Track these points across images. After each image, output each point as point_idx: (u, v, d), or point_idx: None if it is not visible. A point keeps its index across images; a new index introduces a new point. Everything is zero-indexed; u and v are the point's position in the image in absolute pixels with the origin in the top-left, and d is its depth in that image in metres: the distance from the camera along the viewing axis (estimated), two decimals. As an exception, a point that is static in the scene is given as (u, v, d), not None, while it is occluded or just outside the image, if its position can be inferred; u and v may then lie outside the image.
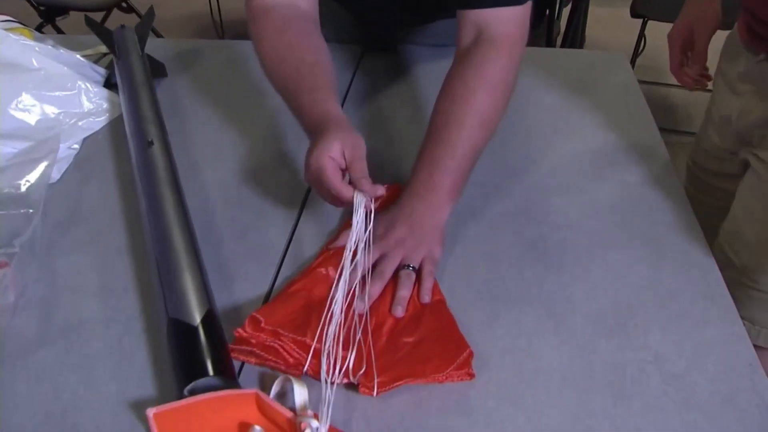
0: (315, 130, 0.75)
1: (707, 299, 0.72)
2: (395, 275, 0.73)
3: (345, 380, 0.63)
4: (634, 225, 0.82)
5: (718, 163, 0.96)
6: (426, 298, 0.71)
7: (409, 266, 0.73)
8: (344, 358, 0.64)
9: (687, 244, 0.79)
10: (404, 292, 0.71)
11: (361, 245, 0.71)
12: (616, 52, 1.20)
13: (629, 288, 0.74)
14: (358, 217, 0.71)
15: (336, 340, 0.65)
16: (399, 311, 0.70)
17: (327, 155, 0.71)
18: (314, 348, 0.65)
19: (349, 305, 0.69)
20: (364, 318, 0.68)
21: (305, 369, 0.64)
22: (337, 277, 0.70)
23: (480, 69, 0.82)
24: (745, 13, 0.87)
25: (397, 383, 0.63)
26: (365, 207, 0.71)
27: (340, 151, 0.71)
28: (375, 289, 0.71)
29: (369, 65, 1.17)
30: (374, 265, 0.73)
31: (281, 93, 0.83)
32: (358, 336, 0.66)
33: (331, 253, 0.76)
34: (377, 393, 0.62)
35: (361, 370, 0.63)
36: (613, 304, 0.72)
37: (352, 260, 0.71)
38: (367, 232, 0.71)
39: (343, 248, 0.72)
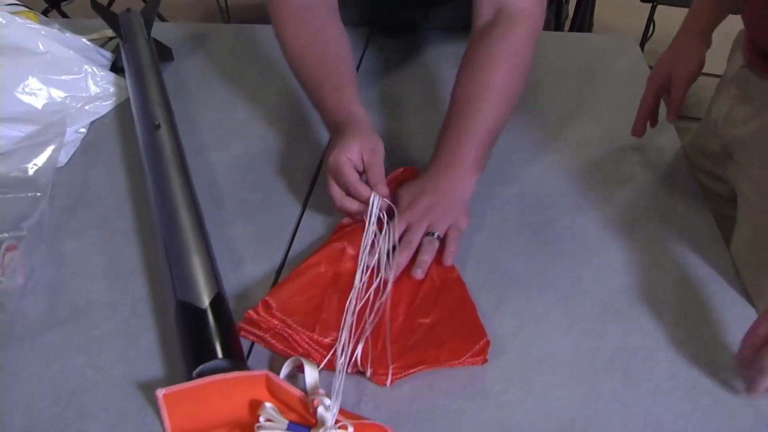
0: (337, 130, 0.78)
1: (717, 284, 0.72)
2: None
3: (354, 370, 0.63)
4: (644, 210, 0.81)
5: (710, 165, 0.92)
6: (449, 260, 0.72)
7: (433, 234, 0.73)
8: (354, 351, 0.64)
9: (697, 229, 0.78)
10: (425, 256, 0.71)
11: (381, 243, 0.72)
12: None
13: (638, 272, 0.73)
14: (373, 218, 0.73)
15: (349, 335, 0.65)
16: (419, 273, 0.70)
17: (345, 156, 0.73)
18: (324, 343, 0.65)
19: (363, 305, 0.68)
20: (381, 304, 0.68)
21: (320, 365, 0.63)
22: (357, 275, 0.70)
23: (503, 42, 0.81)
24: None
25: (411, 371, 0.63)
26: (380, 208, 0.74)
27: (358, 154, 0.74)
28: (402, 258, 0.71)
29: (377, 48, 1.16)
30: (401, 237, 0.73)
31: (303, 85, 0.85)
32: (371, 319, 0.66)
33: (347, 229, 0.76)
34: (391, 383, 0.62)
35: (371, 359, 0.63)
36: (622, 289, 0.72)
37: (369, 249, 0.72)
38: (383, 234, 0.73)
39: (360, 223, 0.74)
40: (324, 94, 0.81)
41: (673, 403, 0.61)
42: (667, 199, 0.83)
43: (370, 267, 0.71)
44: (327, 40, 0.84)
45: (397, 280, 0.70)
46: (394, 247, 0.72)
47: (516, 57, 0.81)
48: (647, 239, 0.77)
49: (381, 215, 0.74)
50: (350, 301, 0.68)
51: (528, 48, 0.82)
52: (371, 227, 0.73)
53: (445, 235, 0.74)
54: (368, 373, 0.62)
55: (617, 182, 0.86)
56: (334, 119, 0.79)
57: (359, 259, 0.72)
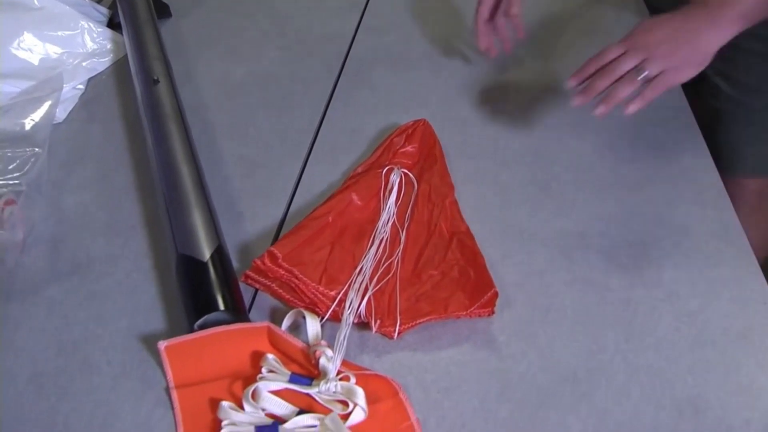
0: None
1: (722, 238, 0.71)
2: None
3: (359, 321, 0.63)
4: (648, 163, 0.80)
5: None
6: (636, 106, 0.68)
7: (642, 72, 0.68)
8: (360, 304, 0.63)
9: (701, 182, 0.78)
10: (616, 92, 0.68)
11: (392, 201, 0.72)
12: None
13: (642, 226, 0.73)
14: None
15: (357, 289, 0.64)
16: (600, 109, 0.69)
17: None
18: (330, 295, 0.64)
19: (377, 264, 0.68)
20: (393, 260, 0.68)
21: (323, 317, 0.63)
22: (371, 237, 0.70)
23: None
24: None
25: (419, 320, 0.62)
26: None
27: None
28: (600, 83, 0.69)
29: None
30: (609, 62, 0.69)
31: None
32: (380, 273, 0.66)
33: (357, 179, 0.75)
34: (398, 334, 0.62)
35: (377, 311, 0.63)
36: (626, 242, 0.71)
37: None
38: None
39: (372, 168, 0.73)
40: None
41: (676, 356, 0.61)
42: (673, 154, 0.82)
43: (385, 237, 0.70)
44: None
45: (408, 232, 0.70)
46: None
47: None
48: (652, 193, 0.76)
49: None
50: (364, 261, 0.67)
51: None
52: (391, 198, 0.73)
53: (657, 76, 0.68)
54: (375, 326, 0.62)
55: (622, 137, 0.84)
56: None
57: (375, 229, 0.71)
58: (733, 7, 0.67)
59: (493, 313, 0.63)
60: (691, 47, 0.68)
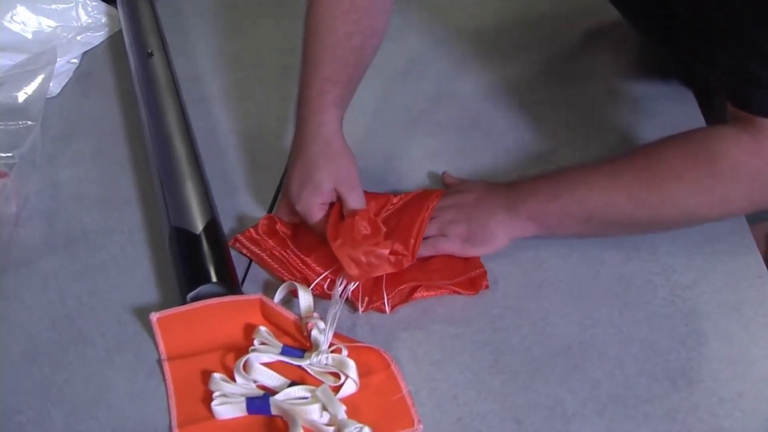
0: (302, 140, 0.68)
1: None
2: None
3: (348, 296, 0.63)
4: (644, 138, 0.79)
5: None
6: (421, 253, 0.64)
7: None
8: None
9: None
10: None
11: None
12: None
13: (639, 201, 0.72)
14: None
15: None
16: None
17: (316, 201, 0.65)
18: (319, 271, 0.64)
19: None
20: None
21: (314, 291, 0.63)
22: None
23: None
24: None
25: (410, 298, 0.62)
26: None
27: (330, 191, 0.65)
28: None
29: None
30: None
31: (304, 53, 0.72)
32: None
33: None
34: (391, 309, 0.62)
35: (364, 292, 0.62)
36: (622, 217, 0.71)
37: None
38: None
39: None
40: (312, 80, 0.69)
41: (670, 329, 0.61)
42: (670, 130, 0.80)
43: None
44: (362, 26, 0.70)
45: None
46: None
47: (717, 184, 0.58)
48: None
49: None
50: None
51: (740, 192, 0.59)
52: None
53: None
54: (362, 306, 0.62)
55: (618, 114, 0.83)
56: (304, 114, 0.68)
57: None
58: (524, 211, 0.64)
59: (487, 287, 0.63)
60: (480, 227, 0.65)
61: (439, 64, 0.90)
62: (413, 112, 0.84)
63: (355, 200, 0.65)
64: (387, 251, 0.62)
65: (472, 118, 0.82)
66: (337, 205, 0.66)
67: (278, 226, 0.66)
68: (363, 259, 0.61)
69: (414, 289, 0.63)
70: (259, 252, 0.65)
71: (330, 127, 0.67)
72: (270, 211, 0.73)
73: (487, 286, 0.63)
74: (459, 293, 0.63)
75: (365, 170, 0.69)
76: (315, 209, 0.65)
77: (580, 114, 0.82)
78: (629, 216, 0.61)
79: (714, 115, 0.78)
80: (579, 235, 0.65)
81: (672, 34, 0.74)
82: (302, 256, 0.65)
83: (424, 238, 0.64)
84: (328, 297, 0.62)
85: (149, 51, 0.84)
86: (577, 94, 0.84)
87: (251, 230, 0.66)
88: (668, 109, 0.81)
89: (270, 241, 0.65)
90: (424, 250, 0.64)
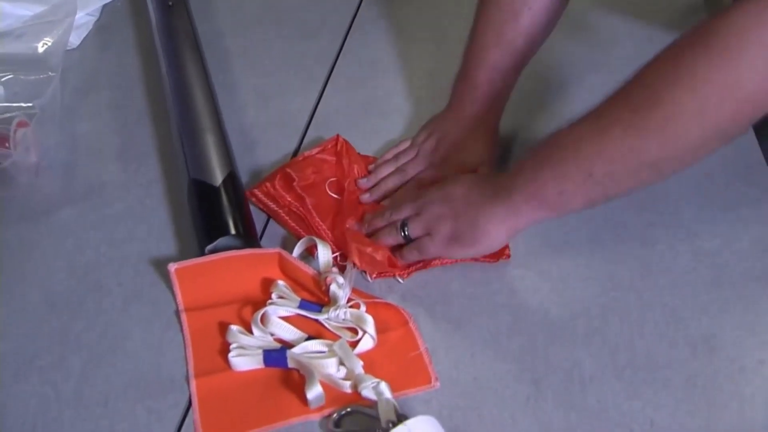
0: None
1: (744, 180, 0.69)
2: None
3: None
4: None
5: None
6: (408, 259, 0.61)
7: (404, 229, 0.61)
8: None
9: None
10: (381, 240, 0.62)
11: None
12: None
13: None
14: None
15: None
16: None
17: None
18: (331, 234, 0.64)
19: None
20: None
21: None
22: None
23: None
24: None
25: (427, 266, 0.62)
26: None
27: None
28: (375, 222, 0.64)
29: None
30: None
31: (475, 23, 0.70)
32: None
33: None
34: (408, 274, 0.61)
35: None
36: (647, 182, 0.69)
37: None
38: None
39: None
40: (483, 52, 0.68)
41: (692, 295, 0.60)
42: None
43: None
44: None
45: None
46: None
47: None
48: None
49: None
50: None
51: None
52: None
53: (418, 239, 0.61)
54: (372, 275, 0.61)
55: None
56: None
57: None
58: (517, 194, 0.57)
59: (508, 256, 0.62)
60: (468, 224, 0.59)
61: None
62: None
63: None
64: (388, 254, 0.61)
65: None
66: (351, 183, 0.66)
67: (295, 183, 0.65)
68: (369, 251, 0.60)
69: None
70: (275, 208, 0.65)
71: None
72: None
73: (508, 256, 0.62)
74: (479, 261, 0.62)
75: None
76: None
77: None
78: (634, 153, 0.50)
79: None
80: (587, 202, 0.55)
81: None
82: (318, 220, 0.64)
83: (411, 240, 0.61)
84: (342, 268, 0.61)
85: (169, 2, 0.83)
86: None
87: (267, 184, 0.65)
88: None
89: (287, 196, 0.65)
90: (410, 255, 0.61)
